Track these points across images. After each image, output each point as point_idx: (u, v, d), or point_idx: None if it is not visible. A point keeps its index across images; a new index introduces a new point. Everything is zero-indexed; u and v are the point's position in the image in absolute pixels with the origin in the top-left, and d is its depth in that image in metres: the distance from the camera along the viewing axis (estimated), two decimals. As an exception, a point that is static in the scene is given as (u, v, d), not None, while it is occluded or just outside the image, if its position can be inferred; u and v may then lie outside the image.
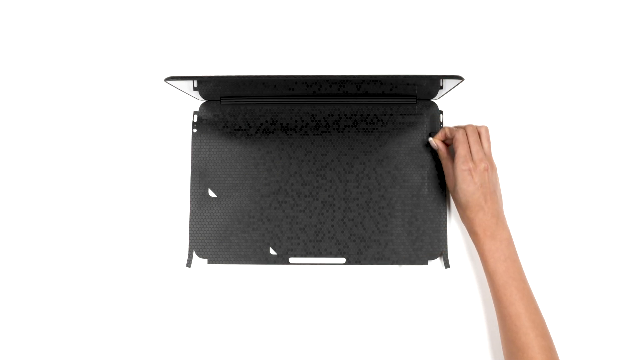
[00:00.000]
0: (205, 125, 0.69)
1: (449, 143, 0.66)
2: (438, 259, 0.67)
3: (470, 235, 0.63)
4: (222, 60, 0.71)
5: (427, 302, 0.66)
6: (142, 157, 0.69)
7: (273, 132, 0.69)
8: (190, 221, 0.67)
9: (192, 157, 0.68)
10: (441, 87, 0.62)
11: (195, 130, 0.69)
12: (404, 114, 0.68)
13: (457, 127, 0.64)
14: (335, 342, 0.66)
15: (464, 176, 0.61)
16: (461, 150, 0.62)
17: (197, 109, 0.69)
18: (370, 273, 0.67)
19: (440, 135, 0.66)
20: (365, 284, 0.67)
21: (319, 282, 0.67)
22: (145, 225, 0.68)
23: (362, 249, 0.66)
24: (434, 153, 0.68)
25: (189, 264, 0.67)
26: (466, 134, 0.63)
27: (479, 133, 0.64)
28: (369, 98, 0.68)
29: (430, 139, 0.66)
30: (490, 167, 0.62)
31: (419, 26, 0.71)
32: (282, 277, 0.67)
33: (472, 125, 0.64)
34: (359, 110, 0.69)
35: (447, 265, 0.66)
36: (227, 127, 0.69)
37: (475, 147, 0.62)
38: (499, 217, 0.61)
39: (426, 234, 0.66)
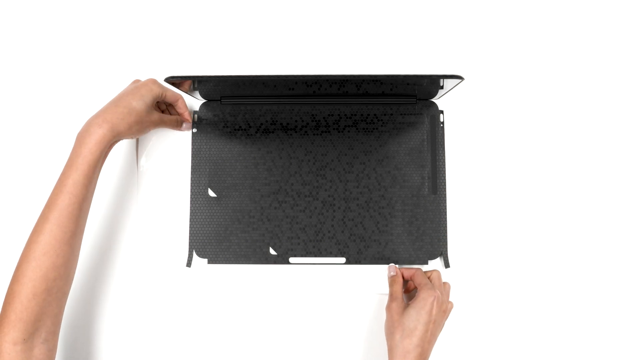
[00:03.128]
0: (205, 125, 0.69)
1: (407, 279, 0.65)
2: (438, 259, 0.67)
3: (389, 353, 0.59)
4: (222, 60, 0.71)
5: None
6: (142, 157, 0.69)
7: (273, 132, 0.69)
8: (190, 221, 0.67)
9: (192, 157, 0.68)
10: (441, 87, 0.62)
11: (195, 130, 0.69)
12: (404, 114, 0.68)
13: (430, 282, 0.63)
14: (335, 342, 0.66)
15: (428, 302, 0.58)
16: (428, 281, 0.61)
17: (197, 109, 0.69)
18: (370, 273, 0.67)
19: (406, 272, 0.64)
20: (365, 284, 0.67)
21: (319, 282, 0.67)
22: (146, 225, 0.68)
23: (362, 249, 0.66)
24: (434, 153, 0.68)
25: (189, 264, 0.67)
26: (429, 278, 0.62)
27: (444, 285, 0.62)
28: (369, 98, 0.68)
29: (392, 265, 0.65)
30: (445, 317, 0.60)
31: (419, 26, 0.71)
32: (282, 277, 0.67)
33: (439, 274, 0.63)
34: (359, 110, 0.69)
35: (447, 265, 0.66)
36: (227, 127, 0.69)
37: (440, 289, 0.60)
38: (426, 358, 0.58)
39: (426, 234, 0.66)
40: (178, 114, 0.67)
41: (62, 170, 0.57)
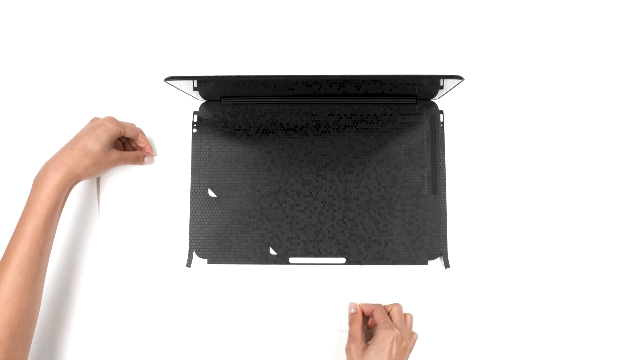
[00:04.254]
0: (205, 125, 0.69)
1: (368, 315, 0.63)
2: (438, 259, 0.67)
3: None
4: (222, 60, 0.71)
5: (427, 302, 0.66)
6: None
7: (273, 132, 0.69)
8: (190, 221, 0.67)
9: (192, 157, 0.68)
10: (441, 87, 0.62)
11: (195, 130, 0.69)
12: (404, 114, 0.68)
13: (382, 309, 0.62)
14: (335, 342, 0.66)
15: (387, 342, 0.57)
16: (387, 319, 0.59)
17: (197, 109, 0.69)
18: (370, 273, 0.67)
19: (366, 308, 0.63)
20: (365, 284, 0.67)
21: (319, 282, 0.67)
22: (146, 225, 0.68)
23: (362, 249, 0.66)
24: (434, 153, 0.68)
25: (189, 264, 0.67)
26: (389, 313, 0.61)
27: (405, 318, 0.62)
28: (369, 98, 0.68)
29: (351, 302, 0.64)
30: (407, 350, 0.59)
31: (419, 26, 0.71)
32: (282, 277, 0.67)
33: (399, 308, 0.62)
34: (359, 110, 0.69)
35: (447, 265, 0.66)
36: (227, 127, 0.69)
37: (400, 325, 0.60)
38: None
39: (426, 234, 0.66)
40: (140, 148, 0.67)
41: (21, 214, 0.57)
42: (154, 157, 0.68)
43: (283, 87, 0.63)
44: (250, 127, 0.69)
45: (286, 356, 0.66)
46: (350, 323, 0.62)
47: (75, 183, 0.59)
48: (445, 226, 0.67)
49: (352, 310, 0.63)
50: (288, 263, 0.66)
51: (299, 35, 0.71)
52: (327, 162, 0.68)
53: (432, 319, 0.66)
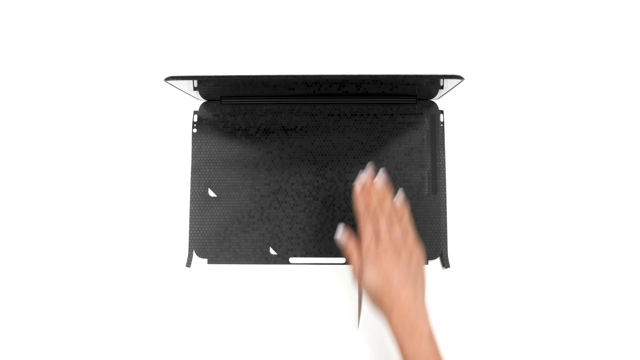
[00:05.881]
0: (205, 125, 0.69)
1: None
2: (438, 259, 0.67)
3: (390, 328, 0.55)
4: (222, 60, 0.71)
5: (427, 302, 0.66)
6: (142, 157, 0.69)
7: (273, 132, 0.69)
8: (190, 221, 0.67)
9: (192, 157, 0.68)
10: (441, 87, 0.62)
11: (195, 130, 0.69)
12: (404, 114, 0.68)
13: (364, 213, 0.58)
14: (335, 342, 0.66)
15: (372, 265, 0.55)
16: (367, 234, 0.56)
17: (197, 109, 0.69)
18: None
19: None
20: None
21: (319, 282, 0.67)
22: (145, 225, 0.68)
23: (362, 249, 0.66)
24: (434, 153, 0.68)
25: (189, 264, 0.67)
26: (372, 220, 0.57)
27: (401, 216, 0.58)
28: (369, 98, 0.68)
29: (340, 232, 0.60)
30: (400, 257, 0.56)
31: (419, 26, 0.71)
32: (282, 277, 0.67)
33: (392, 206, 0.58)
34: (359, 110, 0.69)
35: (447, 265, 0.66)
36: (227, 127, 0.69)
37: (383, 232, 0.56)
38: (418, 310, 0.54)
39: (426, 234, 0.66)
40: None
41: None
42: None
43: (283, 87, 0.63)
44: (250, 127, 0.69)
45: (286, 356, 0.66)
46: (348, 256, 0.59)
47: None
48: (445, 226, 0.67)
49: (344, 243, 0.59)
50: (288, 263, 0.66)
51: (299, 35, 0.71)
52: (327, 162, 0.68)
53: (431, 319, 0.66)
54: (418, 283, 0.56)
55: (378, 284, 0.55)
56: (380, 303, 0.55)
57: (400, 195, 0.62)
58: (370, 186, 0.59)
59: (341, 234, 0.59)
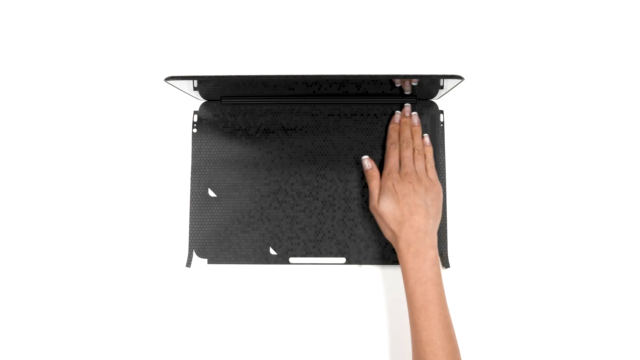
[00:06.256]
0: (205, 125, 0.69)
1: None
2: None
3: (396, 252, 0.60)
4: (222, 60, 0.71)
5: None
6: (142, 157, 0.69)
7: (273, 132, 0.69)
8: (190, 221, 0.67)
9: (192, 157, 0.68)
10: (441, 87, 0.62)
11: (195, 130, 0.69)
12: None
13: (395, 142, 0.64)
14: (335, 342, 0.66)
15: (388, 188, 0.60)
16: (391, 161, 0.62)
17: (197, 109, 0.69)
18: (370, 273, 0.67)
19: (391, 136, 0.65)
20: (365, 284, 0.67)
21: (319, 282, 0.67)
22: (145, 225, 0.68)
23: (362, 249, 0.66)
24: (434, 153, 0.68)
25: (189, 264, 0.67)
26: (400, 148, 0.63)
27: (425, 154, 0.64)
28: (369, 98, 0.68)
29: (366, 157, 0.65)
30: (421, 185, 0.60)
31: (419, 26, 0.71)
32: (282, 277, 0.67)
33: (421, 141, 0.64)
34: (359, 110, 0.69)
35: (447, 265, 0.66)
36: (227, 127, 0.69)
37: (406, 161, 0.62)
38: (426, 234, 0.58)
39: (426, 234, 0.66)
40: None
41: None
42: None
43: (283, 87, 0.63)
44: (250, 127, 0.69)
45: (286, 356, 0.66)
46: (369, 181, 0.64)
47: None
48: (445, 226, 0.67)
49: (368, 167, 0.64)
50: (288, 263, 0.66)
51: (299, 35, 0.71)
52: (327, 162, 0.68)
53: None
54: (431, 212, 0.60)
55: (391, 206, 0.59)
56: (392, 224, 0.59)
57: (427, 137, 0.66)
58: (405, 119, 0.65)
59: (367, 158, 0.65)
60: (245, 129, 0.69)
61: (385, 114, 0.68)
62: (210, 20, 0.71)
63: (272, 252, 0.67)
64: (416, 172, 0.61)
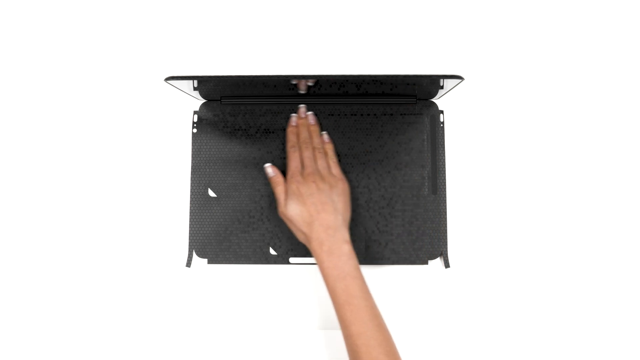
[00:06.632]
0: (205, 125, 0.69)
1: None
2: (438, 259, 0.67)
3: (311, 253, 0.60)
4: (222, 60, 0.71)
5: (427, 302, 0.66)
6: (142, 157, 0.69)
7: (273, 132, 0.69)
8: (190, 221, 0.67)
9: (192, 157, 0.68)
10: (441, 87, 0.62)
11: (195, 130, 0.69)
12: (404, 114, 0.68)
13: (294, 145, 0.65)
14: (335, 342, 0.66)
15: (293, 191, 0.61)
16: (293, 164, 0.63)
17: (197, 109, 0.69)
18: (370, 273, 0.67)
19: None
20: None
21: (319, 282, 0.67)
22: (145, 225, 0.68)
23: (362, 249, 0.66)
24: (434, 153, 0.68)
25: (189, 264, 0.67)
26: (300, 150, 0.64)
27: (326, 151, 0.65)
28: (369, 98, 0.68)
29: (268, 165, 0.65)
30: (325, 182, 0.61)
31: (419, 26, 0.71)
32: (282, 277, 0.67)
33: (320, 140, 0.65)
34: (359, 110, 0.69)
35: (447, 265, 0.66)
36: (227, 127, 0.69)
37: (308, 161, 0.63)
38: (337, 230, 0.58)
39: (426, 234, 0.66)
40: None
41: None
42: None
43: (283, 87, 0.63)
44: (250, 127, 0.69)
45: (286, 356, 0.66)
46: (274, 187, 0.64)
47: None
48: (445, 226, 0.67)
49: (271, 174, 0.65)
50: (288, 263, 0.66)
51: (299, 35, 0.71)
52: (327, 162, 0.68)
53: (432, 319, 0.66)
54: (339, 207, 0.60)
55: (298, 208, 0.60)
56: (301, 226, 0.60)
57: (326, 134, 0.67)
58: (302, 120, 0.66)
59: (269, 165, 0.65)
60: (245, 129, 0.69)
61: (385, 114, 0.68)
62: (210, 20, 0.71)
63: (272, 252, 0.67)
64: (319, 170, 0.62)
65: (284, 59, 0.70)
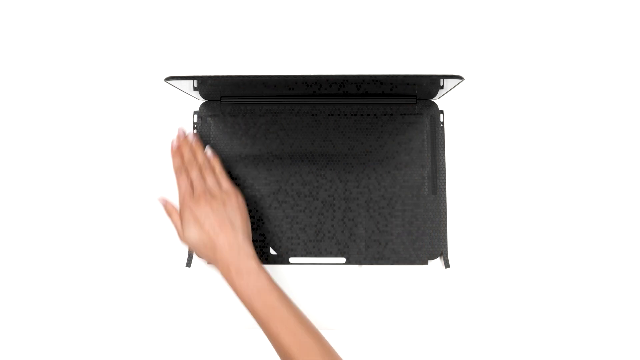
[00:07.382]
0: (205, 126, 0.69)
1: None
2: (438, 259, 0.67)
3: (221, 274, 0.59)
4: (222, 60, 0.71)
5: (427, 302, 0.66)
6: (142, 157, 0.69)
7: (273, 132, 0.69)
8: (190, 221, 0.67)
9: (192, 157, 0.68)
10: (441, 87, 0.62)
11: (195, 131, 0.69)
12: (404, 114, 0.68)
13: (180, 168, 0.63)
14: (335, 342, 0.66)
15: (187, 217, 0.59)
16: (182, 187, 0.61)
17: (197, 109, 0.69)
18: (370, 273, 0.67)
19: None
20: (365, 284, 0.67)
21: (319, 282, 0.67)
22: (145, 225, 0.68)
23: (362, 249, 0.66)
24: (434, 153, 0.68)
25: (188, 264, 0.67)
26: (186, 172, 0.62)
27: (213, 167, 0.63)
28: (369, 98, 0.68)
29: (161, 197, 0.64)
30: (217, 200, 0.59)
31: (419, 26, 0.71)
32: (282, 277, 0.67)
33: (204, 157, 0.63)
34: (359, 110, 0.69)
35: (447, 265, 0.66)
36: (227, 127, 0.69)
37: (196, 182, 0.61)
38: (240, 248, 0.57)
39: (426, 234, 0.66)
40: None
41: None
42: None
43: (283, 87, 0.63)
44: (250, 127, 0.69)
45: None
46: (169, 216, 0.63)
47: None
48: (445, 226, 0.67)
49: (163, 204, 0.63)
50: (288, 263, 0.66)
51: (299, 35, 0.71)
52: (327, 162, 0.68)
53: (432, 319, 0.66)
54: (237, 224, 0.59)
55: (197, 233, 0.58)
56: (204, 251, 0.58)
57: (209, 149, 0.65)
58: (183, 141, 0.64)
59: (160, 197, 0.63)
60: (245, 129, 0.69)
61: (385, 114, 0.68)
62: (210, 20, 0.72)
63: (272, 252, 0.67)
64: (209, 189, 0.61)
65: (284, 59, 0.71)
